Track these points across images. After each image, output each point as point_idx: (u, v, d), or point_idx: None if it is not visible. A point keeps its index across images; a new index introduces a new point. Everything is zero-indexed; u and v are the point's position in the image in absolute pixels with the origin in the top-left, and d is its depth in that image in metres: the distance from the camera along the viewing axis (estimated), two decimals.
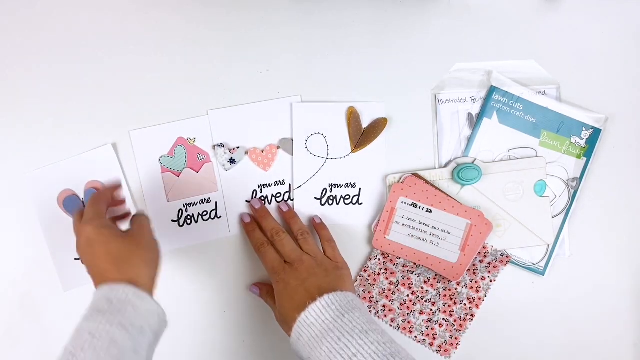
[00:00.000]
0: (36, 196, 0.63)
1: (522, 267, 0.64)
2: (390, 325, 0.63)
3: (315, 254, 0.58)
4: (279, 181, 0.64)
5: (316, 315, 0.48)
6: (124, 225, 0.58)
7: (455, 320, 0.63)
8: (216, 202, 0.64)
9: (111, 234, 0.50)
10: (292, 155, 0.64)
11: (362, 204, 0.65)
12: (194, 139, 0.63)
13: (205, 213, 0.64)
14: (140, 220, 0.55)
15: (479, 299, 0.63)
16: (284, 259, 0.57)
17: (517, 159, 0.64)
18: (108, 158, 0.63)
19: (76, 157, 0.63)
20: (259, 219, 0.62)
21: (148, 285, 0.49)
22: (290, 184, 0.64)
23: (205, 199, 0.64)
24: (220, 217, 0.64)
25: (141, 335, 0.46)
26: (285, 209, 0.63)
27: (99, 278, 0.49)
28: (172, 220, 0.64)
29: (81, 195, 0.63)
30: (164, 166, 0.63)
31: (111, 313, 0.45)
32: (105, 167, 0.63)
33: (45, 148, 0.63)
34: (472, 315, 0.63)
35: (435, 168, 0.65)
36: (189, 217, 0.63)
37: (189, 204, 0.63)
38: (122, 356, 0.43)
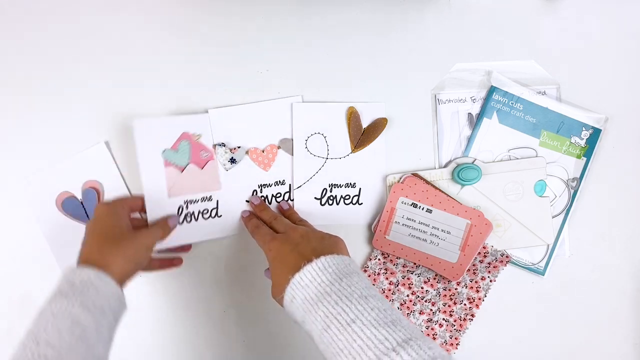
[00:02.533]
0: (35, 200, 0.63)
1: (522, 267, 0.64)
2: None
3: (311, 227, 0.57)
4: (279, 181, 0.64)
5: (312, 277, 0.46)
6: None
7: (455, 320, 0.63)
8: (217, 201, 0.63)
9: (118, 222, 0.53)
10: (292, 155, 0.64)
11: (362, 204, 0.65)
12: (200, 135, 0.62)
13: (206, 211, 0.63)
14: (154, 230, 0.57)
15: (479, 299, 0.63)
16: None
17: (517, 159, 0.64)
18: (102, 156, 0.63)
19: (71, 157, 0.63)
20: (258, 213, 0.62)
21: (117, 275, 0.49)
22: (290, 184, 0.64)
23: (206, 197, 0.63)
24: (221, 216, 0.64)
25: (102, 315, 0.46)
26: (285, 207, 0.63)
27: (82, 257, 0.51)
28: None
29: (79, 197, 0.63)
30: (167, 160, 0.61)
31: (73, 295, 0.45)
32: (100, 165, 0.63)
33: (40, 151, 0.63)
34: (472, 315, 0.63)
35: (435, 168, 0.65)
36: (189, 215, 0.62)
37: (190, 200, 0.62)
38: (85, 335, 0.44)
